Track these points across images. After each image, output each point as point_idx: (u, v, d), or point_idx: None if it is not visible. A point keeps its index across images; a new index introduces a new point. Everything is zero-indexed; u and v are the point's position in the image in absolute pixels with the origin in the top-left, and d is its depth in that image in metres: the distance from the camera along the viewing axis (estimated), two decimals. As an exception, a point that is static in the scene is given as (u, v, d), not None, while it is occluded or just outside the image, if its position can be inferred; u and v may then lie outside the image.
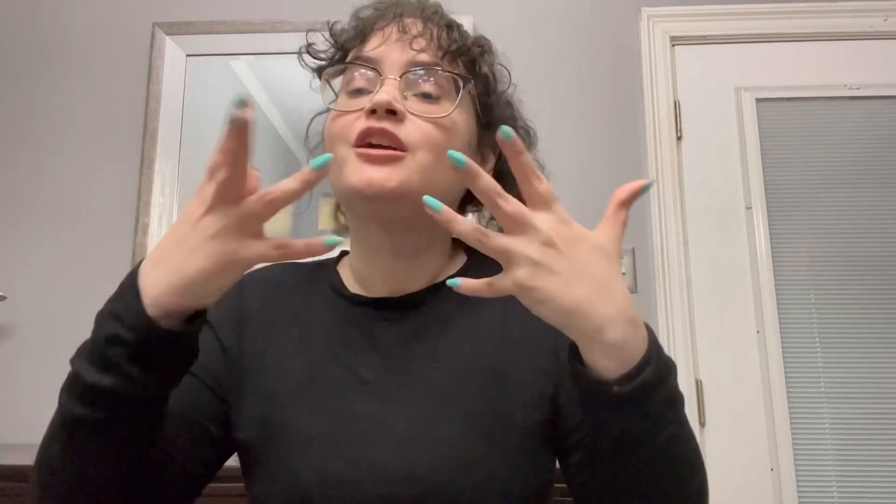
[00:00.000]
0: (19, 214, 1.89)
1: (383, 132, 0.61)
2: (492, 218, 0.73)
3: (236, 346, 0.68)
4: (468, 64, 0.69)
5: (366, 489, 0.59)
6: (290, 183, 0.49)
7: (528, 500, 0.63)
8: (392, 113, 0.62)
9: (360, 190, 0.61)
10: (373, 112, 0.62)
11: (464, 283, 0.50)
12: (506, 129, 0.47)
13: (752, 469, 1.70)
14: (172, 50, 1.94)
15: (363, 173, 0.61)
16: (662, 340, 1.75)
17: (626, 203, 0.51)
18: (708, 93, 1.92)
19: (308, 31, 0.76)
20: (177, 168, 1.87)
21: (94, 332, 0.50)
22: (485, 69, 0.70)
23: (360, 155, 0.62)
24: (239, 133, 0.47)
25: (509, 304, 0.67)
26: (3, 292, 1.77)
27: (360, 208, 0.65)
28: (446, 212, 0.48)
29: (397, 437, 0.61)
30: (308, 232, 1.81)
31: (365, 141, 0.62)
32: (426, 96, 0.64)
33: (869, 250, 1.81)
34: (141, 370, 0.49)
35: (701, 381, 1.75)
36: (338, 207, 0.76)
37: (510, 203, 0.48)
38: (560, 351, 0.63)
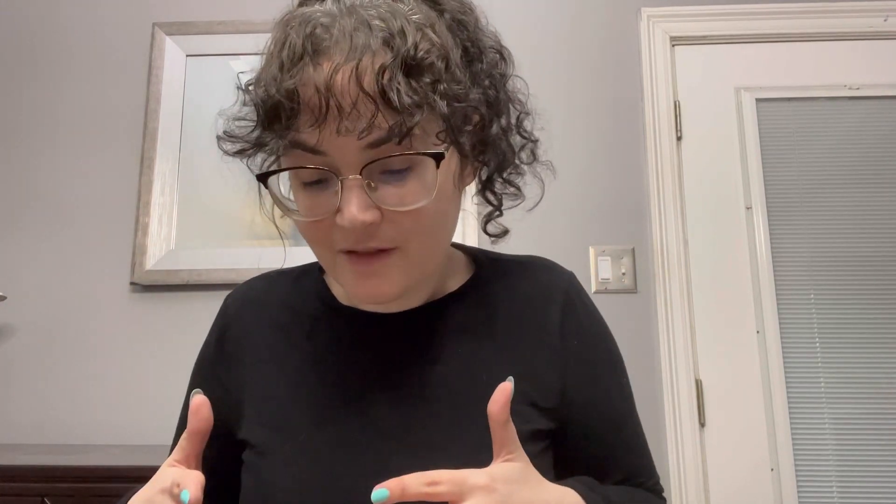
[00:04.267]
0: (19, 214, 1.89)
1: (367, 249, 0.57)
2: (479, 214, 0.73)
3: (237, 388, 0.68)
4: (427, 98, 0.54)
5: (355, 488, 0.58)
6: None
7: None
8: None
9: (364, 301, 0.59)
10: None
11: None
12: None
13: (752, 469, 1.70)
14: (172, 50, 1.95)
15: (362, 286, 0.58)
16: (662, 340, 1.75)
17: (503, 418, 0.51)
18: (708, 93, 1.92)
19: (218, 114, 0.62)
20: (177, 168, 1.87)
21: None
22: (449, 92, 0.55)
23: (351, 261, 0.58)
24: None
25: (511, 338, 0.66)
26: (3, 292, 1.77)
27: None
28: None
29: (390, 450, 0.60)
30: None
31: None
32: (394, 173, 0.55)
33: (869, 250, 1.81)
34: None
35: (701, 381, 1.75)
36: None
37: (442, 484, 0.48)
38: (568, 391, 0.65)
